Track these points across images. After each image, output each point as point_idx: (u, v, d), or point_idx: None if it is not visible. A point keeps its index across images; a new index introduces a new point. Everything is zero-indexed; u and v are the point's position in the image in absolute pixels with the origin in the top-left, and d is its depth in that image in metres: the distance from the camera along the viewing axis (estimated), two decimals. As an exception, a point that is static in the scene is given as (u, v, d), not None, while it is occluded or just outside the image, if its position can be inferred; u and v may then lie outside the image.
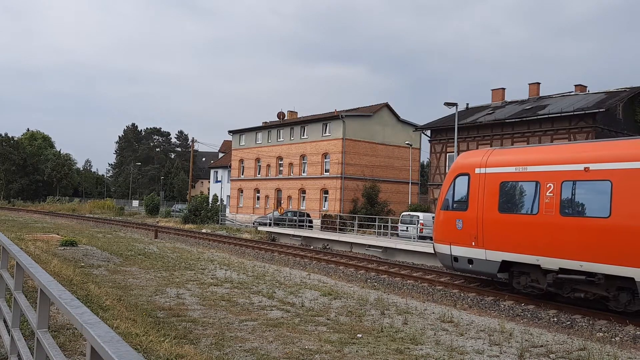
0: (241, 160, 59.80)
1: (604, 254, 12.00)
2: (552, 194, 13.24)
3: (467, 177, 15.65)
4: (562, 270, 12.99)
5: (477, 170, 15.36)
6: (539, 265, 13.51)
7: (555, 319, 12.55)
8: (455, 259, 15.71)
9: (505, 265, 14.46)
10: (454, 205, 16.01)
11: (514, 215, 14.17)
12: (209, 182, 74.97)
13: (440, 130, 38.95)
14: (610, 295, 12.44)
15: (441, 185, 17.56)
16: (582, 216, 12.71)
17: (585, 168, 12.68)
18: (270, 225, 37.97)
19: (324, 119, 49.92)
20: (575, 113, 30.90)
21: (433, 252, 17.48)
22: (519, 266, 14.23)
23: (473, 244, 15.05)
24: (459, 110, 30.08)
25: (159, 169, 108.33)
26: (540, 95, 38.44)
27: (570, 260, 12.70)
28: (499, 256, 14.36)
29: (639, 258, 11.35)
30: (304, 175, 50.93)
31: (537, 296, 14.12)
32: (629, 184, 11.74)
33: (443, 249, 16.14)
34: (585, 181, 12.64)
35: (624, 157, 12.05)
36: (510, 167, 14.52)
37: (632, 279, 11.52)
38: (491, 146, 32.91)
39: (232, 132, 61.46)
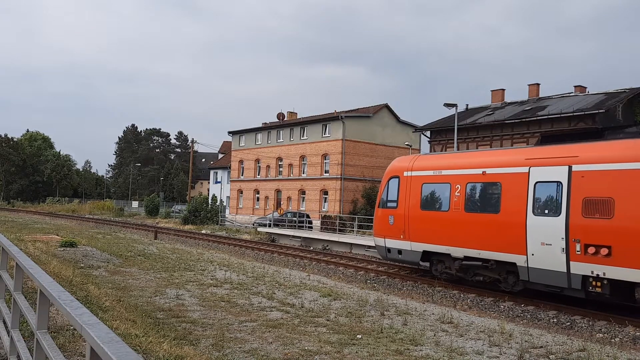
0: (241, 161, 59.79)
1: (495, 244, 14.40)
2: (459, 194, 15.62)
3: (397, 179, 18.03)
4: (466, 258, 15.42)
5: (405, 174, 17.73)
6: (449, 254, 15.93)
7: (555, 320, 12.55)
8: (389, 250, 18.12)
9: (426, 255, 16.85)
10: (387, 203, 18.31)
11: (432, 212, 16.61)
12: (209, 183, 74.96)
13: (440, 131, 38.94)
14: (501, 278, 14.74)
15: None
16: (480, 212, 15.03)
17: (483, 172, 15.07)
18: (269, 226, 37.94)
19: (324, 120, 49.93)
20: (574, 114, 30.91)
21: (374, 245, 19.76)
22: (436, 255, 16.64)
23: (401, 237, 17.44)
24: (458, 111, 30.07)
25: (158, 170, 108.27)
26: (540, 96, 38.42)
27: (471, 249, 15.15)
28: (420, 247, 16.81)
29: (518, 247, 13.69)
30: (304, 176, 50.92)
31: (450, 280, 16.43)
32: (513, 186, 14.08)
33: (379, 241, 18.58)
34: (483, 183, 15.08)
35: (510, 163, 14.47)
36: (430, 171, 16.92)
37: (515, 263, 13.90)
38: (491, 147, 32.94)
39: (232, 133, 61.46)
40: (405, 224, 17.27)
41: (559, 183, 13.01)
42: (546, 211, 13.21)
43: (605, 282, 11.91)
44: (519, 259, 13.67)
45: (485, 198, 14.98)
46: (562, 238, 12.67)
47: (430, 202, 16.69)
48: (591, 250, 12.08)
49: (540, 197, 13.43)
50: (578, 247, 12.35)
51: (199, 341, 7.79)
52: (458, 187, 15.59)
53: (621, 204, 11.67)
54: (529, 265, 13.44)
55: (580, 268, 12.30)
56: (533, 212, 13.45)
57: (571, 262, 12.47)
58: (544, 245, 13.06)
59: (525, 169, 13.88)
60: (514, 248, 13.76)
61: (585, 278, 12.28)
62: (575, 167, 12.74)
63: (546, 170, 13.40)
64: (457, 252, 15.57)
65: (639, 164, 11.61)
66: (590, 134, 14.63)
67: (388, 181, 18.43)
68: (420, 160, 17.74)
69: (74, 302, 2.77)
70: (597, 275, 11.96)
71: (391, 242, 17.89)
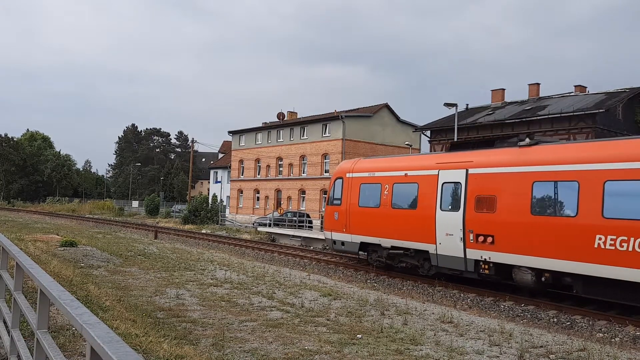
0: (241, 161, 59.77)
1: (414, 235, 16.76)
2: (387, 193, 17.93)
3: (342, 180, 20.32)
4: (393, 247, 17.80)
5: (347, 175, 20.08)
6: (380, 244, 18.26)
7: (555, 320, 12.54)
8: (334, 242, 20.55)
9: (363, 245, 19.27)
10: (334, 201, 20.56)
11: (367, 209, 18.87)
12: (209, 182, 74.93)
13: (440, 131, 38.94)
14: (419, 264, 17.07)
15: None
16: (403, 208, 17.38)
17: (405, 174, 17.41)
18: (270, 225, 37.94)
19: (324, 120, 49.90)
20: (575, 113, 30.92)
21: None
22: (371, 246, 19.06)
23: (344, 230, 19.83)
24: (458, 110, 30.09)
25: (158, 170, 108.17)
26: (540, 95, 38.42)
27: (397, 240, 17.54)
28: (358, 239, 19.25)
29: (429, 237, 16.06)
30: (304, 175, 50.91)
31: (381, 267, 18.83)
32: (427, 186, 16.40)
33: (328, 235, 21.10)
34: (405, 183, 17.38)
35: (425, 166, 16.88)
36: (366, 173, 19.26)
37: (427, 251, 16.28)
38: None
39: (232, 133, 61.42)
40: (347, 219, 19.68)
41: (458, 183, 15.43)
42: (449, 207, 15.60)
43: (491, 265, 14.36)
44: (430, 248, 16.13)
45: (407, 196, 17.26)
46: (460, 229, 15.11)
47: (366, 200, 19.00)
48: (480, 239, 14.54)
49: (445, 195, 15.82)
50: (471, 237, 14.80)
51: (199, 341, 7.79)
52: (387, 187, 17.98)
53: (501, 201, 14.13)
54: (438, 253, 15.90)
55: (473, 254, 14.78)
56: (440, 207, 15.88)
57: (467, 249, 14.95)
58: (448, 235, 15.51)
59: (435, 172, 16.29)
60: (427, 238, 16.19)
61: (477, 262, 14.74)
62: (470, 171, 15.16)
63: (450, 173, 15.81)
64: (386, 242, 18.00)
65: (513, 168, 13.97)
66: (485, 143, 16.49)
67: (334, 182, 20.73)
68: (360, 163, 20.13)
69: (74, 302, 2.77)
70: (485, 259, 14.44)
71: (336, 235, 20.34)
